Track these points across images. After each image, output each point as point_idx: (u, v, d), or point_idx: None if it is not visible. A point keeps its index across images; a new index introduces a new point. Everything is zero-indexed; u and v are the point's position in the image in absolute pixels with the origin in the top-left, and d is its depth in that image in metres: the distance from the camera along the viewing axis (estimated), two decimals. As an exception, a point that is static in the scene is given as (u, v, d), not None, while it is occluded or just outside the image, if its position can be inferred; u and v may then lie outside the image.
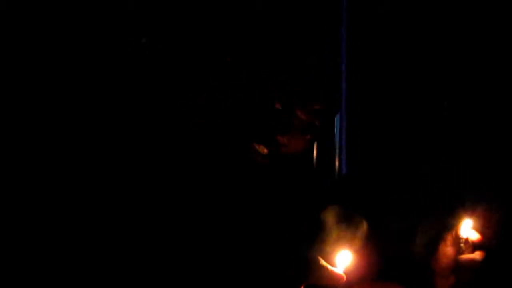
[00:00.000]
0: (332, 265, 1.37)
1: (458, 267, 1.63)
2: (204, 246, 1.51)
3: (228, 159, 1.60)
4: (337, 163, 2.15)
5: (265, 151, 1.58)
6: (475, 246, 1.63)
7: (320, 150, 2.08)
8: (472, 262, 1.62)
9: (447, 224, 1.67)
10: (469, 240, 1.63)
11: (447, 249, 1.63)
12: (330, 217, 1.71)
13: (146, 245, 1.55)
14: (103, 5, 1.71)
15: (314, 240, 1.55)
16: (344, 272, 1.37)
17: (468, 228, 1.63)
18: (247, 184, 1.62)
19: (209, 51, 1.77)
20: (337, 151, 2.15)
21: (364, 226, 1.68)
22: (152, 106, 1.72)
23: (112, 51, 1.71)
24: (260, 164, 1.59)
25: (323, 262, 1.35)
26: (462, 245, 1.63)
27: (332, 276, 1.35)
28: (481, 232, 1.63)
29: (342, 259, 1.41)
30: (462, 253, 1.63)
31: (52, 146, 1.67)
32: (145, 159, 1.66)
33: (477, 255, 1.63)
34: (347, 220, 1.70)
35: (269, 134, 1.59)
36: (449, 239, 1.64)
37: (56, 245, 1.59)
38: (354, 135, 2.20)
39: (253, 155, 1.58)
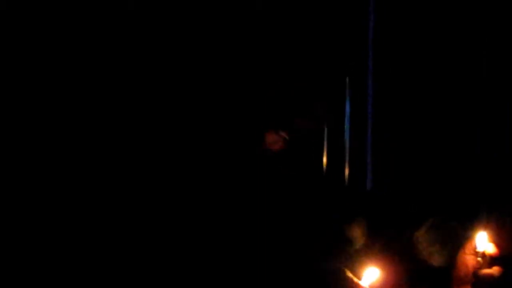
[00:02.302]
0: (358, 278, 1.41)
1: (476, 281, 1.63)
2: (222, 257, 1.54)
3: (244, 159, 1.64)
4: (347, 175, 2.17)
5: (285, 137, 1.61)
6: (492, 260, 1.64)
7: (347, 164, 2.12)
8: (490, 277, 1.62)
9: (465, 235, 1.69)
10: (486, 254, 1.64)
11: (466, 258, 1.64)
12: (357, 230, 1.73)
13: (146, 245, 1.58)
14: (103, 5, 1.75)
15: (341, 252, 1.57)
16: (370, 287, 1.41)
17: (484, 241, 1.64)
18: (268, 192, 1.65)
19: (211, 50, 1.81)
20: (346, 162, 2.17)
21: (392, 240, 1.70)
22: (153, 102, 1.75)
23: (113, 51, 1.75)
24: (278, 152, 1.61)
25: (349, 274, 1.39)
26: (479, 259, 1.63)
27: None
28: (497, 244, 1.64)
29: (369, 274, 1.44)
30: (480, 267, 1.64)
31: (52, 146, 1.71)
32: (146, 156, 1.69)
33: (495, 270, 1.63)
34: (376, 234, 1.72)
35: (287, 119, 1.61)
36: (468, 248, 1.64)
37: (56, 245, 1.62)
38: (379, 151, 2.23)
39: (270, 144, 1.60)
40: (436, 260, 1.78)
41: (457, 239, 1.70)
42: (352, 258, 1.62)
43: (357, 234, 1.72)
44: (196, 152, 1.71)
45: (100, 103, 1.80)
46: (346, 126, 2.18)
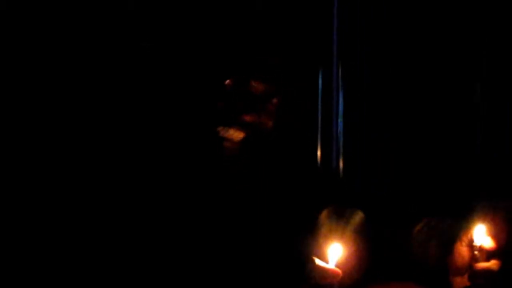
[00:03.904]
0: (324, 260, 1.37)
1: (474, 275, 1.60)
2: (200, 245, 1.52)
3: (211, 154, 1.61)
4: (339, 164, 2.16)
5: (239, 135, 1.58)
6: (489, 253, 1.61)
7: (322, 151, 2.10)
8: (488, 271, 1.59)
9: (462, 226, 1.66)
10: (483, 248, 1.61)
11: (463, 249, 1.62)
12: (322, 213, 1.71)
13: (145, 245, 1.57)
14: (103, 6, 1.77)
15: (306, 237, 1.54)
16: (337, 266, 1.36)
17: (481, 235, 1.61)
18: (244, 184, 1.63)
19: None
20: (334, 152, 2.16)
21: (356, 221, 1.68)
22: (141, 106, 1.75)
23: (113, 53, 1.76)
24: (232, 152, 1.58)
25: (318, 261, 1.35)
26: (476, 252, 1.61)
27: (329, 273, 1.36)
28: (494, 237, 1.61)
29: (334, 253, 1.40)
30: (477, 260, 1.61)
31: (52, 146, 1.71)
32: (140, 159, 1.68)
33: (492, 264, 1.60)
34: (338, 215, 1.70)
35: (235, 116, 1.58)
36: (464, 239, 1.62)
37: (56, 245, 1.61)
38: (352, 136, 2.21)
39: (224, 144, 1.57)
40: (429, 258, 1.76)
41: (454, 230, 1.67)
42: (316, 240, 1.58)
43: (323, 215, 1.69)
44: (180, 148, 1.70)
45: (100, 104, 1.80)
46: (339, 121, 2.17)
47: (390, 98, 2.24)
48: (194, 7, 1.86)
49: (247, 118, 1.59)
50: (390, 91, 2.24)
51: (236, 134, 1.58)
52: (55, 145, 1.73)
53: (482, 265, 1.60)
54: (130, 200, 1.66)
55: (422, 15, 2.23)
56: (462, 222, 1.68)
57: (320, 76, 2.10)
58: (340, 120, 2.16)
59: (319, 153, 2.09)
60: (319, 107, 2.11)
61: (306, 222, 1.65)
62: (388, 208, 2.02)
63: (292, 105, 1.70)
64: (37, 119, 1.73)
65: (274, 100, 1.61)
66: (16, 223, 1.64)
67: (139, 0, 1.81)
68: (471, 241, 1.61)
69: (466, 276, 1.62)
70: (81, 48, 1.77)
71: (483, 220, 1.63)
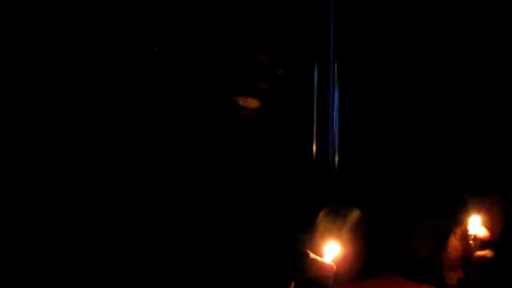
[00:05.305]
0: (320, 256, 1.37)
1: (468, 264, 1.61)
2: (194, 241, 1.54)
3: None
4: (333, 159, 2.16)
5: (256, 103, 1.68)
6: (483, 243, 1.62)
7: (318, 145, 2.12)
8: (482, 259, 1.60)
9: (456, 219, 1.67)
10: (478, 237, 1.62)
11: (456, 243, 1.63)
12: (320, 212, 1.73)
13: (145, 243, 1.59)
14: (104, 6, 1.81)
15: (302, 232, 1.55)
16: (333, 262, 1.36)
17: (476, 224, 1.62)
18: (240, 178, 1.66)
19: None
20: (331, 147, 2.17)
21: (353, 218, 1.70)
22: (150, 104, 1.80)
23: (113, 53, 1.81)
24: (248, 118, 1.68)
25: (312, 254, 1.36)
26: (471, 242, 1.62)
27: (323, 266, 1.36)
28: (488, 228, 1.62)
29: (330, 250, 1.40)
30: (472, 250, 1.62)
31: (52, 146, 1.74)
32: (142, 156, 1.72)
33: (487, 252, 1.61)
34: (335, 213, 1.72)
35: (249, 87, 1.71)
36: (458, 233, 1.63)
37: (56, 245, 1.63)
38: (347, 130, 2.21)
39: (239, 110, 1.68)
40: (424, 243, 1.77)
41: (447, 223, 1.68)
42: (313, 236, 1.59)
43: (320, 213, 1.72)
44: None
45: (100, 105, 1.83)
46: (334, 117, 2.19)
47: (389, 98, 2.25)
48: (194, 7, 1.91)
49: (260, 86, 1.71)
50: (389, 90, 2.25)
51: (253, 102, 1.71)
52: (54, 145, 1.75)
53: (477, 254, 1.61)
54: (131, 199, 1.69)
55: (420, 13, 2.25)
56: (454, 215, 1.69)
57: (315, 72, 2.12)
58: (335, 117, 2.18)
59: (314, 150, 2.11)
60: (315, 103, 2.12)
61: (302, 219, 1.67)
62: (388, 207, 2.03)
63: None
64: (37, 119, 1.76)
65: (279, 71, 1.74)
66: (15, 222, 1.66)
67: (139, 0, 1.85)
68: (465, 232, 1.63)
69: (459, 269, 1.63)
70: (81, 48, 1.82)
71: (478, 211, 1.65)
